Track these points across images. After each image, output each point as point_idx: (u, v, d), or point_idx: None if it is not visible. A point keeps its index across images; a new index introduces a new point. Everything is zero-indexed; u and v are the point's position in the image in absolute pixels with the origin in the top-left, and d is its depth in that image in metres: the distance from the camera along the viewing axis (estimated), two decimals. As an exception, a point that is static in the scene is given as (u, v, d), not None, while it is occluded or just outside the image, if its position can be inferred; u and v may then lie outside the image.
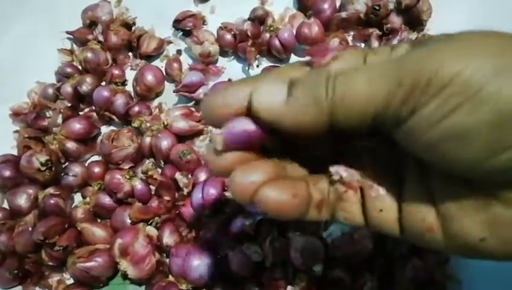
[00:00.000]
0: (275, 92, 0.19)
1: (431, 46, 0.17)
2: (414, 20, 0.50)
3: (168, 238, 0.41)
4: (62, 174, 0.46)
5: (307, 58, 0.22)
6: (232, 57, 0.53)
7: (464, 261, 0.38)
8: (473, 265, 0.38)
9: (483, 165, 0.16)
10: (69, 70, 0.51)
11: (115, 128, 0.50)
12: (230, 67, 0.52)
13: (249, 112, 0.20)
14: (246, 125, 0.20)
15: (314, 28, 0.49)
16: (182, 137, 0.47)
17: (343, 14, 0.50)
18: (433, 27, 0.51)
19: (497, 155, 0.16)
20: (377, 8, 0.49)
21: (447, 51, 0.16)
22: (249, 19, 0.52)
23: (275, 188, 0.20)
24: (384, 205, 0.22)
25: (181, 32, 0.54)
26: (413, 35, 0.49)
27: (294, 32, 0.50)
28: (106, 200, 0.44)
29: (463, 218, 0.19)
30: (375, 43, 0.49)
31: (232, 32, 0.51)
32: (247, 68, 0.51)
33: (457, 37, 0.17)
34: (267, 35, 0.51)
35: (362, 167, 0.23)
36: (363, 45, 0.51)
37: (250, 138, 0.20)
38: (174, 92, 0.49)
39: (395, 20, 0.50)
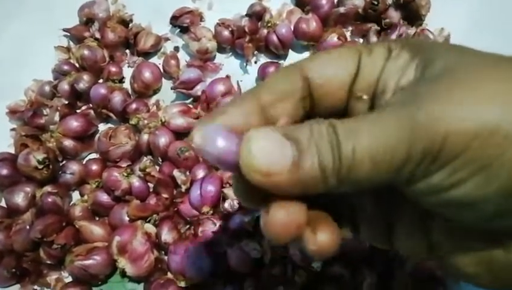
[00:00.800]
0: (276, 153, 0.16)
1: (437, 102, 0.15)
2: (412, 15, 0.50)
3: (167, 236, 0.41)
4: (60, 172, 0.46)
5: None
6: (230, 53, 0.53)
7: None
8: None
9: (490, 223, 0.17)
10: (66, 67, 0.51)
11: (112, 125, 0.49)
12: (228, 64, 0.52)
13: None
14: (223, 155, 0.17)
15: (312, 24, 0.49)
16: (179, 134, 0.47)
17: (341, 10, 0.50)
18: (431, 22, 0.50)
19: (505, 217, 0.16)
20: (375, 3, 0.49)
21: (455, 112, 0.15)
22: (247, 15, 0.52)
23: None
24: (375, 225, 0.22)
25: (178, 29, 0.53)
26: (412, 30, 0.49)
27: (292, 28, 0.50)
28: (104, 197, 0.44)
29: (460, 255, 0.19)
30: (373, 38, 0.49)
31: (230, 29, 0.51)
32: (245, 64, 0.51)
33: (464, 80, 0.16)
34: (265, 31, 0.50)
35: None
36: (361, 40, 0.51)
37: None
38: (171, 89, 0.49)
39: (394, 15, 0.50)
